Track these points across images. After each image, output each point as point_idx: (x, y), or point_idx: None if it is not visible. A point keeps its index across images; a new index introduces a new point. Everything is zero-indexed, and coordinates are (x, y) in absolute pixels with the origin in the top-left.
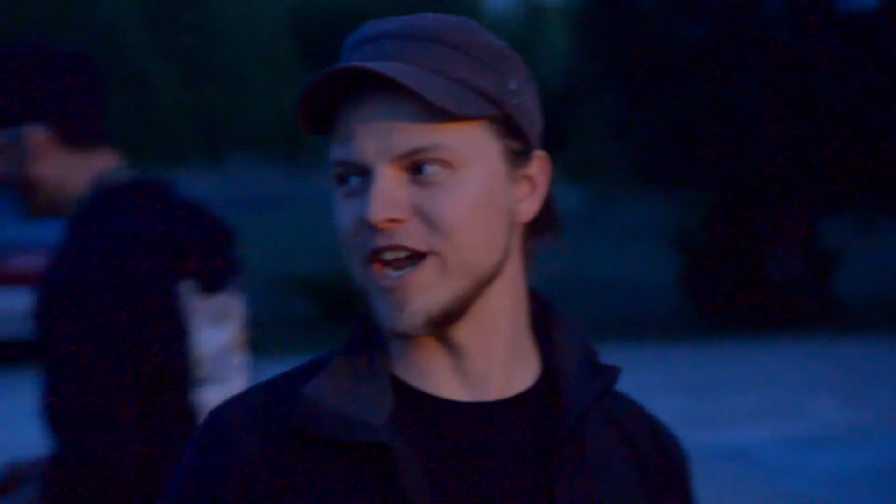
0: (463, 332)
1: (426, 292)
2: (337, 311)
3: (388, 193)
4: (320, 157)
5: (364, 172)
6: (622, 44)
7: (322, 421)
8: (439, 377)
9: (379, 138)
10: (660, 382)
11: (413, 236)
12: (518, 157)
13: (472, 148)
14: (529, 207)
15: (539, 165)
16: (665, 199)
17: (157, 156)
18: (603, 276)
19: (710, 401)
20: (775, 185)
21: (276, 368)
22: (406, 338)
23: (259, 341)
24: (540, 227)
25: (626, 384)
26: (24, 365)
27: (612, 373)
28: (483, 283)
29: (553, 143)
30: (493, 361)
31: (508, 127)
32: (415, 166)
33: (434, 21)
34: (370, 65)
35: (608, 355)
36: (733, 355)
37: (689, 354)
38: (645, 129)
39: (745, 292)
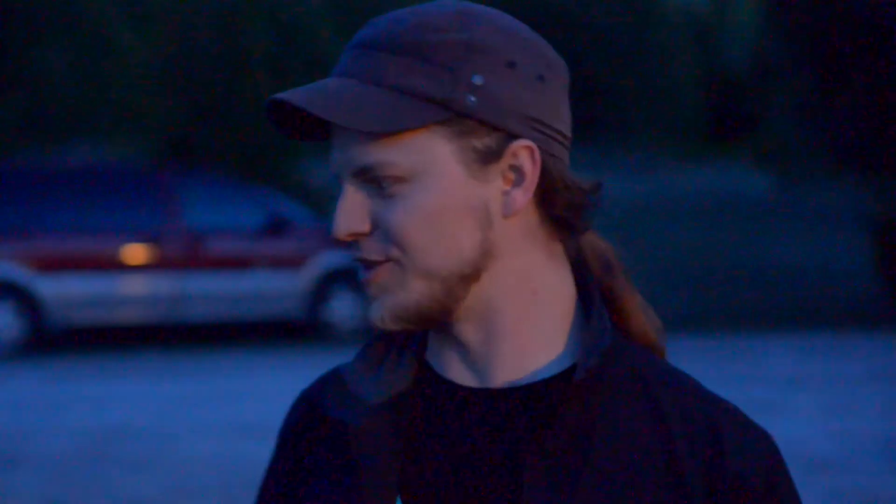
0: (462, 327)
1: (388, 291)
2: None
3: (349, 208)
4: None
5: (340, 183)
6: (814, 23)
7: (330, 399)
8: (452, 364)
9: (341, 153)
10: (857, 371)
11: (372, 249)
12: (488, 153)
13: (421, 158)
14: (517, 199)
15: (525, 154)
16: (859, 183)
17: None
18: (795, 263)
19: None
20: None
21: None
22: (378, 330)
23: None
24: (566, 214)
25: (825, 373)
26: (222, 346)
27: (593, 358)
28: (456, 283)
29: (741, 127)
30: (497, 352)
31: (471, 125)
32: (372, 180)
33: (398, 23)
34: (288, 95)
35: (803, 343)
36: None
37: (886, 342)
38: (838, 111)
39: None
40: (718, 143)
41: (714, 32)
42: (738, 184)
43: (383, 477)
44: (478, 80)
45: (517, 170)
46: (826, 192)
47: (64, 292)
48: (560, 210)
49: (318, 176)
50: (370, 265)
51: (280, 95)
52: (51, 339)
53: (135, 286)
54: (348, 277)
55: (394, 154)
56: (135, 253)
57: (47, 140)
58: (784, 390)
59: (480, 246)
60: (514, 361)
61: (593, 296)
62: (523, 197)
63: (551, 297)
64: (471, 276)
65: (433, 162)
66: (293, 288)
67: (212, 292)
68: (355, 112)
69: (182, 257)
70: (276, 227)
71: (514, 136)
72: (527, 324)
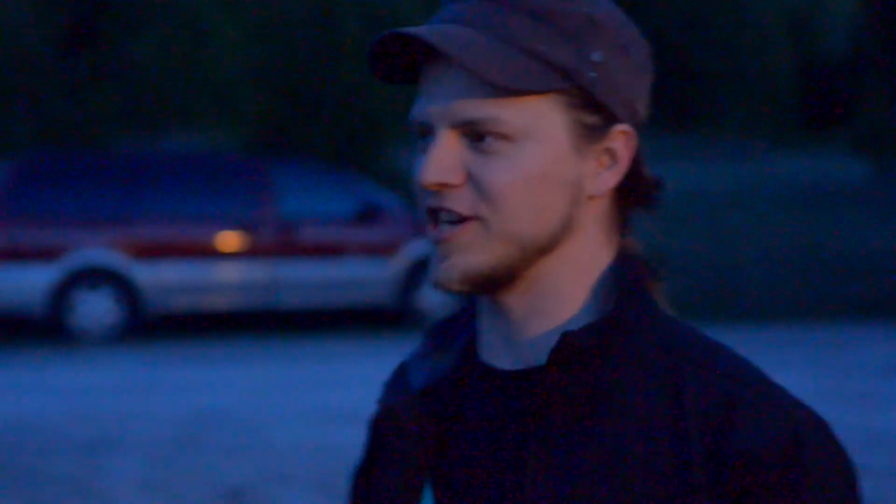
0: (513, 298)
1: (467, 250)
2: None
3: (443, 158)
4: None
5: (430, 132)
6: None
7: (386, 388)
8: (492, 345)
9: (442, 102)
10: None
11: (461, 201)
12: (592, 131)
13: (533, 121)
14: (606, 181)
15: (622, 140)
16: None
17: None
18: (891, 250)
19: None
20: None
21: None
22: (445, 291)
23: None
24: (637, 200)
25: None
26: (314, 333)
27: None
28: (532, 253)
29: (837, 114)
30: (540, 329)
31: (583, 100)
32: (475, 133)
33: None
34: (423, 32)
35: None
36: None
37: None
38: None
39: None
40: (814, 130)
41: (810, 18)
42: (833, 171)
43: (414, 462)
44: (598, 56)
45: (612, 153)
46: None
47: (160, 279)
48: (632, 200)
49: (410, 164)
50: (451, 221)
51: (409, 30)
52: (148, 324)
53: (229, 273)
54: None
55: (508, 112)
56: (229, 240)
57: (144, 129)
58: (883, 380)
59: (565, 220)
60: (544, 340)
61: (612, 285)
62: (612, 180)
63: (598, 282)
64: (547, 247)
65: (544, 128)
66: (384, 275)
67: (304, 279)
68: (490, 64)
69: (275, 245)
70: (367, 215)
71: (615, 120)
72: (571, 304)
